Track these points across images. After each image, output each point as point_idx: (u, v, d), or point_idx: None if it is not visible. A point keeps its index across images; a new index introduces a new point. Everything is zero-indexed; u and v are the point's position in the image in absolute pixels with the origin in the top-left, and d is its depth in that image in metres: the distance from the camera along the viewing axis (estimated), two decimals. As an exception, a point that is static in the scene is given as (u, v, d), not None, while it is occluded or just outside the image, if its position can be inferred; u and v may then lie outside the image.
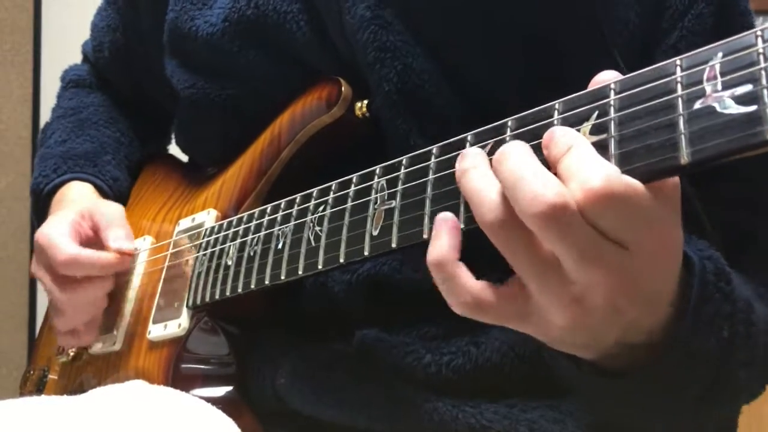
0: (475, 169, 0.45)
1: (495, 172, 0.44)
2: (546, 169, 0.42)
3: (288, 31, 0.69)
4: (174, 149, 0.94)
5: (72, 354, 0.83)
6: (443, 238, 0.46)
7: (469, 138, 0.50)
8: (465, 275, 0.46)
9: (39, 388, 0.87)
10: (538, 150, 0.44)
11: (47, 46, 2.03)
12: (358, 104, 0.67)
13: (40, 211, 0.89)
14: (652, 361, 0.49)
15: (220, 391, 0.68)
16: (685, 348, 0.48)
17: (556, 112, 0.45)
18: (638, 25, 0.63)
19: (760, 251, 0.67)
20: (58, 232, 0.76)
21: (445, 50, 0.64)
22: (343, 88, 0.66)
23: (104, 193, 0.88)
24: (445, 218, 0.47)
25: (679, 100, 0.39)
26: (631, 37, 0.62)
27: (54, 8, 2.05)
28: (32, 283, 2.03)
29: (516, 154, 0.43)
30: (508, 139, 0.47)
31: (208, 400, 0.67)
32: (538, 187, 0.41)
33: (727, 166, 0.62)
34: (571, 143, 0.42)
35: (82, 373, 0.81)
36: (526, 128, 0.46)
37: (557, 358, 0.52)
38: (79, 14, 0.96)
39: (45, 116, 0.98)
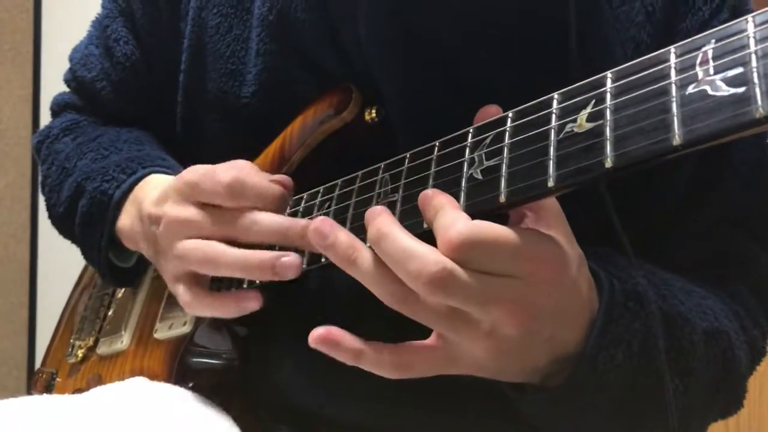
0: (359, 258, 0.50)
1: (378, 254, 0.48)
2: (417, 241, 0.47)
3: (306, 38, 0.70)
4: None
5: (80, 355, 0.84)
6: (341, 347, 0.52)
7: (471, 131, 0.51)
8: (383, 352, 0.51)
9: (48, 390, 0.87)
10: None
11: (47, 46, 2.04)
12: (368, 110, 0.68)
13: (105, 222, 0.74)
14: (563, 377, 0.52)
15: (222, 387, 0.68)
16: (591, 363, 0.52)
17: (555, 102, 0.46)
18: (649, 45, 0.64)
19: (758, 275, 0.68)
20: (208, 166, 0.64)
21: (457, 63, 0.66)
22: (353, 94, 0.68)
23: None
24: (319, 340, 0.51)
25: (673, 85, 0.40)
26: (642, 56, 0.64)
27: (54, 8, 2.07)
28: (32, 283, 2.03)
29: (388, 233, 0.47)
30: (508, 130, 0.48)
31: (210, 396, 0.68)
32: (415, 265, 0.45)
33: (723, 181, 0.64)
34: (437, 207, 0.48)
35: (89, 373, 0.82)
36: (525, 119, 0.47)
37: (502, 386, 0.55)
38: (79, 14, 0.93)
39: (45, 116, 0.94)
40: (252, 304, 0.61)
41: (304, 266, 0.59)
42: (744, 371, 0.64)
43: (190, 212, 0.62)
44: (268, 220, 0.60)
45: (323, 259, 0.57)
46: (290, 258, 0.58)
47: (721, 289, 0.66)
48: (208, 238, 0.62)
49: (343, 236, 0.51)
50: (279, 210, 0.62)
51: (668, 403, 0.53)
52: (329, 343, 0.51)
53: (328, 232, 0.51)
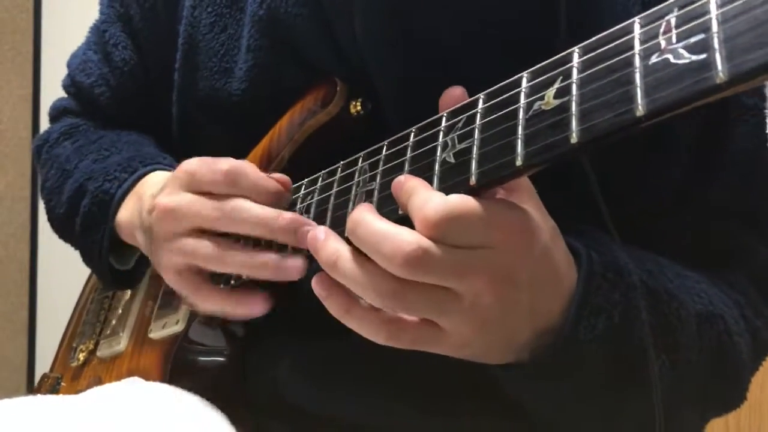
0: (341, 259, 0.50)
1: (354, 243, 0.49)
2: (391, 224, 0.47)
3: (298, 33, 0.70)
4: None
5: (82, 358, 0.84)
6: (335, 294, 0.51)
7: (445, 115, 0.51)
8: (376, 312, 0.50)
9: (52, 394, 0.88)
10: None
11: (47, 46, 2.05)
12: (353, 102, 0.67)
13: (106, 221, 0.75)
14: (543, 349, 0.52)
15: (216, 384, 0.68)
16: (572, 333, 0.51)
17: (524, 81, 0.46)
18: None
19: (759, 268, 0.67)
20: (206, 158, 0.65)
21: (456, 62, 0.65)
22: (338, 87, 0.67)
23: None
24: (322, 280, 0.51)
25: (636, 56, 0.39)
26: None
27: (54, 8, 2.09)
28: (32, 283, 2.04)
29: (361, 220, 0.48)
30: (479, 112, 0.48)
31: (204, 394, 0.67)
32: (390, 246, 0.46)
33: (720, 173, 0.63)
34: (410, 191, 0.48)
35: (90, 376, 0.82)
36: (496, 100, 0.47)
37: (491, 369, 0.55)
38: (79, 15, 0.94)
39: (45, 117, 0.94)
40: (259, 308, 0.63)
41: None
42: (746, 359, 0.63)
43: (182, 199, 0.63)
44: (255, 209, 0.61)
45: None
46: (296, 260, 0.59)
47: (720, 279, 0.65)
48: (198, 228, 0.62)
49: (330, 240, 0.51)
50: (274, 206, 0.62)
51: (652, 377, 0.52)
52: (324, 287, 0.51)
53: (318, 237, 0.52)
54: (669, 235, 0.65)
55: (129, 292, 0.83)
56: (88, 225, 0.77)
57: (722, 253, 0.66)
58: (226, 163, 0.62)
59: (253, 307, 0.63)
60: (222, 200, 0.62)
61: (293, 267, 0.59)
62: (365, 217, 0.48)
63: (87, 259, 0.81)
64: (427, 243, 0.45)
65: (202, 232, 0.63)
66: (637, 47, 0.39)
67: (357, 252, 0.49)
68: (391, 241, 0.46)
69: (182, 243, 0.63)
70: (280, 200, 0.63)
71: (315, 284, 0.51)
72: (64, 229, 0.83)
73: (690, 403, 0.59)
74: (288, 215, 0.59)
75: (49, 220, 0.86)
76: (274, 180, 0.63)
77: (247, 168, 0.62)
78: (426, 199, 0.46)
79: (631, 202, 0.63)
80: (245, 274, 0.62)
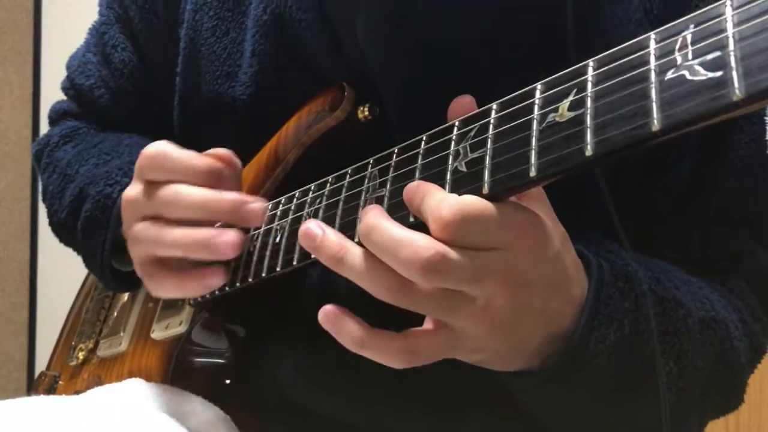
0: (349, 254, 0.49)
1: (368, 247, 0.48)
2: (406, 229, 0.47)
3: (302, 38, 0.71)
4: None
5: (81, 357, 0.84)
6: (346, 328, 0.50)
7: (456, 123, 0.51)
8: (390, 339, 0.49)
9: (50, 393, 0.88)
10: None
11: (47, 46, 2.06)
12: (361, 107, 0.68)
13: (108, 226, 0.74)
14: (555, 357, 0.52)
15: (218, 386, 0.68)
16: (583, 341, 0.52)
17: (537, 92, 0.46)
18: None
19: (759, 273, 0.67)
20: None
21: (457, 65, 0.65)
22: (346, 92, 0.68)
23: None
24: (328, 315, 0.50)
25: (652, 71, 0.40)
26: None
27: (54, 8, 2.09)
28: (32, 283, 2.05)
29: (376, 225, 0.47)
30: (492, 122, 0.48)
31: (206, 395, 0.68)
32: (407, 252, 0.45)
33: (721, 179, 0.64)
34: (424, 192, 0.48)
35: (90, 376, 0.82)
36: (509, 110, 0.47)
37: (501, 376, 0.55)
38: (79, 14, 0.94)
39: (45, 117, 0.93)
40: (215, 280, 0.61)
41: (295, 263, 0.59)
42: (744, 363, 0.64)
43: (134, 190, 0.63)
44: (189, 192, 0.60)
45: (313, 256, 0.57)
46: (227, 236, 0.58)
47: (720, 284, 0.66)
48: (149, 217, 0.62)
49: (332, 236, 0.51)
50: (210, 184, 0.61)
51: (660, 385, 0.53)
52: (333, 322, 0.50)
53: (316, 234, 0.51)
54: (670, 242, 0.66)
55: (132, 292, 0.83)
56: (90, 229, 0.76)
57: (722, 259, 0.67)
58: (151, 148, 0.61)
59: (209, 280, 0.61)
60: (157, 189, 0.61)
61: (227, 242, 0.58)
62: (380, 222, 0.48)
63: (88, 263, 0.80)
64: (444, 248, 0.45)
65: (144, 217, 0.62)
66: (653, 62, 0.40)
67: (363, 246, 0.49)
68: (409, 248, 0.45)
69: (131, 231, 0.63)
70: (220, 176, 0.62)
71: (322, 319, 0.50)
72: (65, 233, 0.83)
73: (694, 408, 0.60)
74: (229, 196, 0.59)
75: (51, 225, 0.86)
76: (210, 157, 0.62)
77: (169, 150, 0.62)
78: (441, 199, 0.46)
79: (633, 209, 0.64)
80: (183, 254, 0.61)
